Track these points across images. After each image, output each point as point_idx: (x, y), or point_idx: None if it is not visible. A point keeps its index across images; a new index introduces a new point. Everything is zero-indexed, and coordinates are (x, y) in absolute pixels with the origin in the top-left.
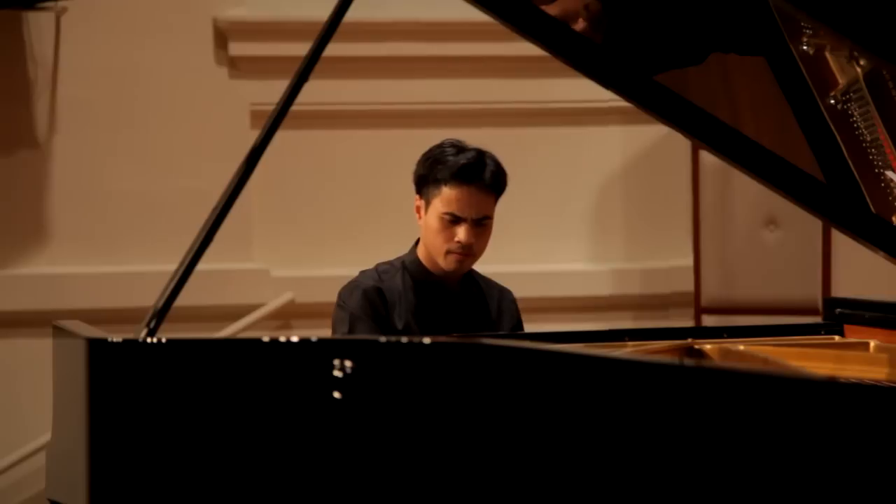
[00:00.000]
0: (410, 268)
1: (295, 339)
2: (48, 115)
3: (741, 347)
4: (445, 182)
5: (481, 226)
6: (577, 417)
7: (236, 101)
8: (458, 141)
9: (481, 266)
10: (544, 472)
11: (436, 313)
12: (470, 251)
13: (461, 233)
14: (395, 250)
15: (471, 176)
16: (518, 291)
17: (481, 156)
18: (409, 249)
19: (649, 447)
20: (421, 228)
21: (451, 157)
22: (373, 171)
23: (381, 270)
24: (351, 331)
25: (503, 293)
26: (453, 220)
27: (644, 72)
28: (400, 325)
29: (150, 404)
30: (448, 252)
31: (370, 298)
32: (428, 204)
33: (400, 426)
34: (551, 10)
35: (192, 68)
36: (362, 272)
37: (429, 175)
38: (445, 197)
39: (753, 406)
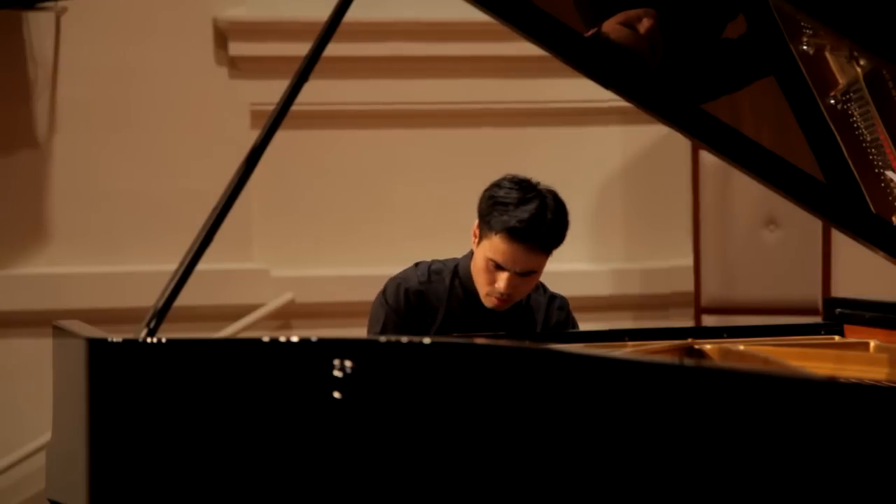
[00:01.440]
0: (462, 275)
1: (295, 339)
2: (48, 115)
3: (741, 347)
4: (497, 232)
5: (525, 277)
6: (578, 417)
7: (236, 101)
8: (524, 182)
9: None
10: (545, 471)
11: (474, 324)
12: (508, 298)
13: (501, 281)
14: (394, 250)
15: (523, 236)
16: None
17: (542, 211)
18: (466, 254)
19: (650, 447)
20: (475, 252)
21: (511, 206)
22: (373, 171)
23: (433, 269)
24: (384, 329)
25: (552, 302)
26: (497, 267)
27: (645, 73)
28: (432, 331)
29: (150, 404)
30: (487, 294)
31: (409, 300)
32: (480, 238)
33: (400, 426)
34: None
35: (192, 68)
36: (416, 264)
37: (487, 216)
38: (494, 245)
39: (753, 406)
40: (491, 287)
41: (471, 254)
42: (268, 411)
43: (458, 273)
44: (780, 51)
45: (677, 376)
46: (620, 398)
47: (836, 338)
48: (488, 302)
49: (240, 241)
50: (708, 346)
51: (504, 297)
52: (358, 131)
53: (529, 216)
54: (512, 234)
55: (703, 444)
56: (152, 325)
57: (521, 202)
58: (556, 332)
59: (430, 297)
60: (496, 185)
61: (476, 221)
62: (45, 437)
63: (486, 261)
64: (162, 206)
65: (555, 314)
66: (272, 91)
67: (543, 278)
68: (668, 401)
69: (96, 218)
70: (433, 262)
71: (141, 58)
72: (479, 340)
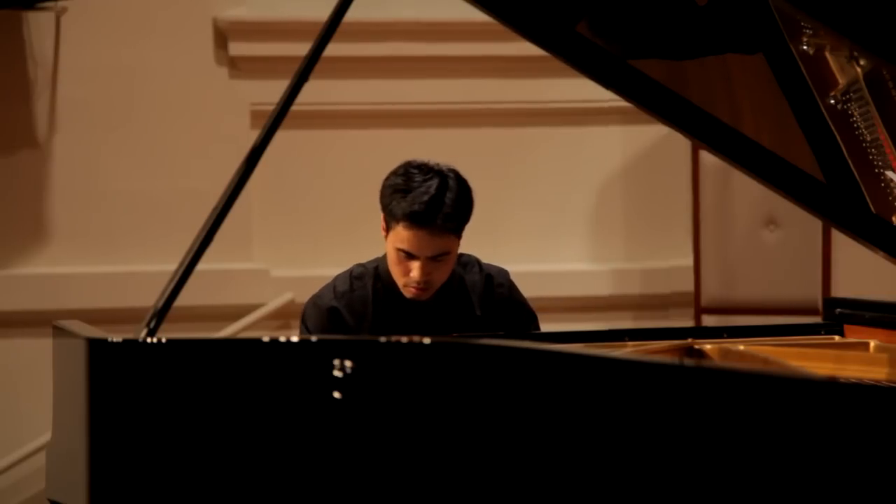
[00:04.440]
0: (383, 276)
1: (295, 339)
2: (48, 115)
3: (741, 347)
4: (399, 220)
5: (438, 261)
6: (578, 417)
7: (236, 101)
8: (423, 166)
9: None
10: (544, 472)
11: (407, 322)
12: (427, 286)
13: (415, 270)
14: None
15: (425, 220)
16: None
17: (440, 194)
18: (385, 254)
19: (649, 447)
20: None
21: (408, 194)
22: (373, 171)
23: (354, 276)
24: None
25: (489, 280)
26: (407, 256)
27: (634, 54)
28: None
29: (150, 404)
30: (405, 285)
31: (324, 322)
32: (388, 230)
33: (400, 426)
34: None
35: (192, 68)
36: (336, 278)
37: (388, 205)
38: (399, 234)
39: (753, 406)
40: (407, 277)
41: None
42: (268, 411)
43: (379, 275)
44: (780, 51)
45: (677, 376)
46: (620, 398)
47: (836, 338)
48: (408, 293)
49: (240, 241)
50: (708, 346)
51: (422, 286)
52: (358, 131)
53: (429, 198)
54: (413, 219)
55: (704, 445)
56: (152, 325)
57: (418, 186)
58: (555, 332)
59: (353, 306)
60: (393, 173)
61: (382, 215)
62: (45, 437)
63: (396, 251)
64: (162, 206)
65: (495, 292)
66: (272, 91)
67: (544, 278)
68: (668, 401)
69: (96, 218)
70: (354, 267)
71: (141, 58)
72: (478, 341)
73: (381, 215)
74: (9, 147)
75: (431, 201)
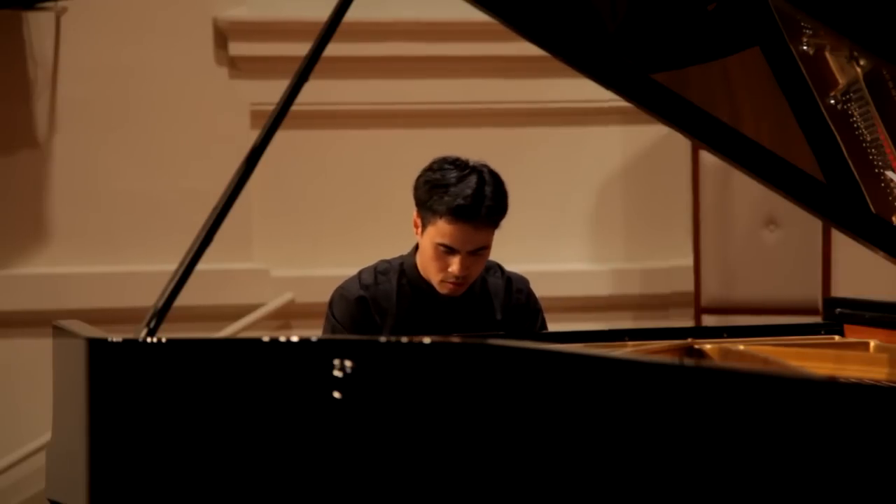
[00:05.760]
0: (408, 272)
1: (295, 339)
2: (48, 115)
3: (741, 347)
4: (441, 215)
5: (477, 255)
6: (578, 417)
7: (236, 101)
8: (458, 161)
9: None
10: (545, 471)
11: (429, 320)
12: (464, 281)
13: (455, 264)
14: (394, 251)
15: (469, 214)
16: None
17: (480, 188)
18: (410, 251)
19: (649, 447)
20: (419, 242)
21: (450, 188)
22: (372, 171)
23: (379, 270)
24: None
25: (510, 285)
26: (448, 250)
27: (643, 70)
28: (384, 333)
29: (150, 404)
30: (442, 280)
31: (352, 311)
32: (424, 226)
33: (400, 426)
34: None
35: (192, 68)
36: (361, 271)
37: (427, 201)
38: (440, 229)
39: (753, 406)
40: (445, 273)
41: (415, 249)
42: (268, 411)
43: (404, 271)
44: (780, 51)
45: (677, 376)
46: (620, 398)
47: (836, 338)
48: (444, 288)
49: (240, 241)
50: (708, 346)
51: (460, 281)
52: (358, 131)
53: (472, 192)
54: (457, 213)
55: (704, 445)
56: (152, 325)
57: (459, 181)
58: (555, 332)
59: (378, 299)
60: (429, 169)
61: (415, 211)
62: (45, 437)
63: (435, 247)
64: (162, 206)
65: (514, 297)
66: (272, 91)
67: (544, 278)
68: (668, 401)
69: (96, 218)
70: (379, 262)
71: (141, 58)
72: (478, 340)
73: (414, 212)
74: (9, 147)
75: (475, 195)
